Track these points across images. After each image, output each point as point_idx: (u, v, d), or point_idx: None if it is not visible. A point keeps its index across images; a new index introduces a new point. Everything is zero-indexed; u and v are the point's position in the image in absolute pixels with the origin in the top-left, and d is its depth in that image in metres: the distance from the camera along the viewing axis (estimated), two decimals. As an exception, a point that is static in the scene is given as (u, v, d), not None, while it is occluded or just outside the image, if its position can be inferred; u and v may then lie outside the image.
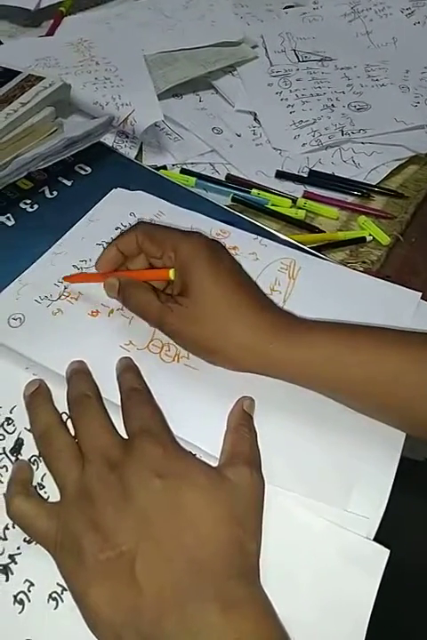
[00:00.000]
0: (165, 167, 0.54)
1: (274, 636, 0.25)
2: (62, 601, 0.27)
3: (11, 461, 0.31)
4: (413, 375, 0.31)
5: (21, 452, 0.31)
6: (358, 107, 0.61)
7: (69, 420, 0.32)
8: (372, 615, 0.28)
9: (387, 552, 0.29)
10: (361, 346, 0.32)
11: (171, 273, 0.35)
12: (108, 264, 0.38)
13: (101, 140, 0.52)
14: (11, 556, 0.28)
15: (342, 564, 0.29)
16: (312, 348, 0.32)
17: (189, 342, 0.35)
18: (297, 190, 0.53)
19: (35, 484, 0.30)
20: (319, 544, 0.29)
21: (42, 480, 0.30)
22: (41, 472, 0.30)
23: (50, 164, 0.47)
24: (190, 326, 0.33)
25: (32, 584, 0.27)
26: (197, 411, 0.34)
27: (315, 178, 0.54)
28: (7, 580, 0.28)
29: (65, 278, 0.40)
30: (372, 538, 0.30)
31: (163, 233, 0.36)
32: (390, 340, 0.32)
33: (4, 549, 0.28)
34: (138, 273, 0.37)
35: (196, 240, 0.35)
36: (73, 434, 0.31)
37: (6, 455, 0.31)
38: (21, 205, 0.47)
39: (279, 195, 0.52)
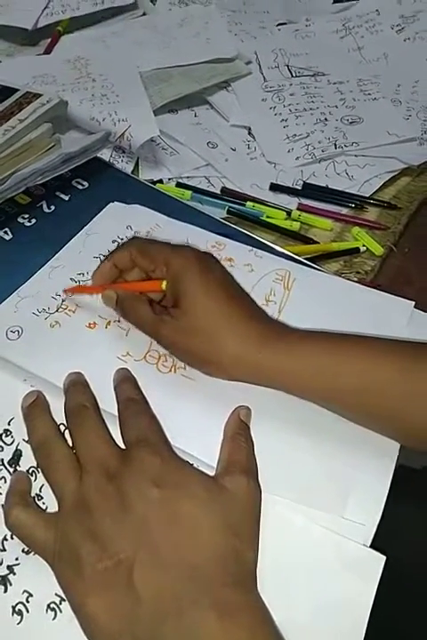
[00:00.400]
0: (161, 181, 0.55)
1: (271, 641, 0.25)
2: (61, 611, 0.27)
3: (9, 473, 0.31)
4: (404, 385, 0.32)
5: (20, 463, 0.31)
6: (350, 120, 0.62)
7: (67, 432, 0.32)
8: (369, 622, 0.28)
9: (383, 558, 0.29)
10: (352, 355, 0.33)
11: (163, 284, 0.35)
12: (104, 278, 0.38)
13: (98, 155, 0.53)
14: (9, 567, 0.28)
15: (339, 570, 0.29)
16: (302, 357, 0.32)
17: (182, 353, 0.35)
18: (291, 202, 0.54)
19: (33, 495, 0.30)
20: (316, 551, 0.29)
21: (40, 491, 0.30)
22: (39, 483, 0.31)
23: (48, 179, 0.48)
24: (183, 338, 0.34)
25: (30, 595, 0.28)
26: (193, 421, 0.34)
27: (309, 190, 0.55)
28: (5, 591, 0.28)
29: (65, 290, 0.41)
30: (368, 545, 0.30)
31: (155, 248, 0.37)
32: (382, 350, 0.33)
33: (2, 560, 0.28)
34: (132, 284, 0.38)
35: (186, 253, 0.36)
36: (71, 445, 0.31)
37: (4, 466, 0.31)
38: (19, 220, 0.47)
39: (274, 207, 0.53)
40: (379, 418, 0.32)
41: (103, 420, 0.32)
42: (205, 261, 0.36)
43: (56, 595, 0.27)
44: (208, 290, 0.34)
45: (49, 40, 0.70)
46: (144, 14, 0.77)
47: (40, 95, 0.54)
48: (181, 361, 0.36)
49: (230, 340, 0.33)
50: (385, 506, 0.31)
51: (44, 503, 0.30)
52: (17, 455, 0.32)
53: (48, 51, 0.69)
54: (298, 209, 0.53)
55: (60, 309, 0.40)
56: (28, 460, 0.31)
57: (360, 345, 0.33)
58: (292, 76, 0.68)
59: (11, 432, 0.32)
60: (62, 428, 0.32)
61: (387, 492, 0.32)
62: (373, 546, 0.30)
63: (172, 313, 0.35)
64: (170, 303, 0.36)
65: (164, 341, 0.36)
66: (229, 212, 0.52)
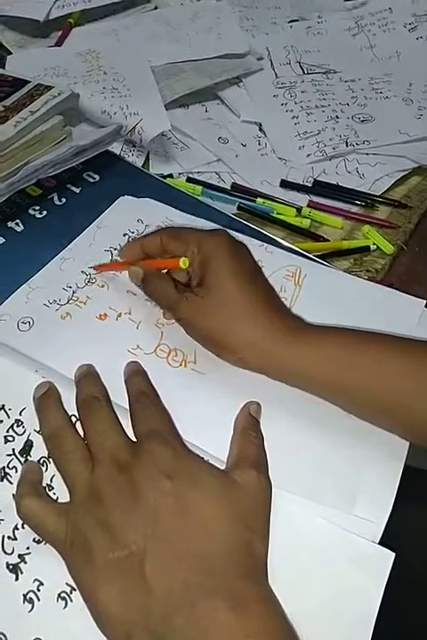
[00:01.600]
0: (171, 176, 0.55)
1: (283, 634, 0.25)
2: (71, 600, 0.27)
3: (20, 462, 0.31)
4: (414, 383, 0.32)
5: (31, 453, 0.31)
6: (362, 118, 0.61)
7: (78, 423, 0.32)
8: (377, 620, 0.28)
9: (392, 555, 0.29)
10: (364, 350, 0.33)
11: (181, 262, 0.36)
12: (131, 256, 0.39)
13: (109, 148, 0.53)
14: (20, 556, 0.28)
15: (348, 567, 0.29)
16: (315, 350, 0.33)
17: (198, 333, 0.35)
18: (302, 199, 0.54)
19: (44, 485, 0.30)
20: (325, 547, 0.29)
21: (51, 481, 0.31)
22: (50, 473, 0.31)
23: (59, 171, 0.48)
24: (202, 317, 0.34)
25: (41, 583, 0.28)
26: (203, 415, 0.34)
27: (319, 188, 0.55)
28: (17, 579, 0.28)
29: (93, 267, 0.42)
30: (377, 541, 0.30)
31: (187, 231, 0.38)
32: (393, 347, 0.33)
33: (13, 549, 0.29)
34: (154, 262, 0.39)
35: (220, 236, 0.36)
36: (82, 436, 0.31)
37: (16, 456, 0.31)
38: (30, 211, 0.48)
39: (284, 204, 0.53)
40: (388, 414, 0.32)
41: (114, 412, 0.32)
42: (237, 247, 0.36)
43: (67, 584, 0.28)
44: (235, 273, 0.34)
45: (60, 32, 0.70)
46: (156, 8, 0.76)
47: (51, 87, 0.54)
48: (197, 341, 0.36)
49: (249, 327, 0.33)
50: (393, 506, 0.31)
51: (54, 493, 0.30)
52: (28, 445, 0.32)
53: (59, 43, 0.69)
54: (308, 206, 0.53)
55: (71, 301, 0.40)
56: (39, 451, 0.31)
57: (372, 341, 0.33)
58: (303, 72, 0.68)
59: (22, 422, 0.32)
60: (73, 419, 0.32)
61: (396, 489, 0.32)
62: (381, 543, 0.30)
63: (195, 291, 0.35)
64: (195, 283, 0.36)
65: (183, 319, 0.36)
66: (239, 208, 0.52)
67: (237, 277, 0.34)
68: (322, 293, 0.42)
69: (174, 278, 0.38)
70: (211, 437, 0.32)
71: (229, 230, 0.38)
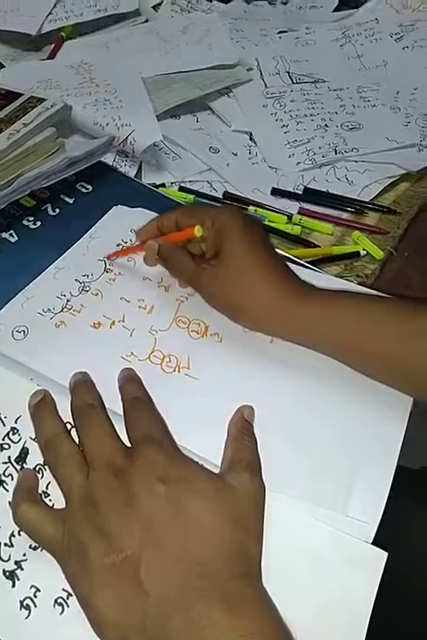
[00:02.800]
0: (163, 185, 0.56)
1: (277, 634, 0.25)
2: (68, 606, 0.28)
3: (16, 470, 0.31)
4: (412, 344, 0.34)
5: (26, 460, 0.32)
6: (350, 126, 0.62)
7: (73, 430, 0.32)
8: (371, 619, 0.28)
9: (385, 555, 0.29)
10: (366, 314, 0.36)
11: (196, 229, 0.38)
12: (147, 236, 0.41)
13: (102, 159, 0.54)
14: (17, 563, 0.29)
15: (341, 566, 0.29)
16: (322, 311, 0.36)
17: (217, 300, 0.38)
18: (292, 207, 0.55)
19: (40, 492, 0.31)
20: (318, 548, 0.30)
21: (47, 488, 0.31)
22: (46, 480, 0.31)
23: (52, 182, 0.48)
24: (221, 285, 0.37)
25: (38, 590, 0.28)
26: (197, 419, 0.35)
27: (310, 195, 0.56)
28: (13, 585, 0.28)
29: (107, 256, 0.44)
30: (370, 542, 0.30)
31: (202, 208, 0.41)
32: (394, 309, 0.36)
33: (10, 556, 0.29)
34: (171, 235, 0.40)
35: (232, 211, 0.40)
36: (77, 443, 0.31)
37: (12, 464, 0.32)
38: (24, 222, 0.48)
39: (275, 211, 0.53)
40: (389, 372, 0.35)
41: (109, 419, 0.32)
42: (249, 220, 0.39)
43: (63, 590, 0.28)
44: (249, 244, 0.37)
45: (52, 46, 0.71)
46: (147, 21, 0.77)
47: (44, 99, 0.54)
48: (216, 308, 0.39)
49: (264, 290, 0.36)
50: (386, 507, 0.32)
51: (50, 500, 0.30)
52: (24, 453, 0.32)
53: (52, 56, 0.70)
54: (299, 213, 0.54)
55: (65, 309, 0.41)
56: (34, 458, 0.32)
57: (374, 303, 0.37)
58: (292, 82, 0.69)
59: (18, 430, 0.33)
60: (68, 426, 0.33)
61: (389, 490, 0.32)
62: (374, 543, 0.30)
63: (212, 263, 0.38)
64: (210, 255, 0.39)
65: (203, 288, 0.39)
66: (231, 215, 0.52)
67: (251, 247, 0.37)
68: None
69: (190, 252, 0.40)
70: (205, 441, 0.33)
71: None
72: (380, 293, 0.40)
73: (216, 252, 0.38)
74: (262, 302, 0.36)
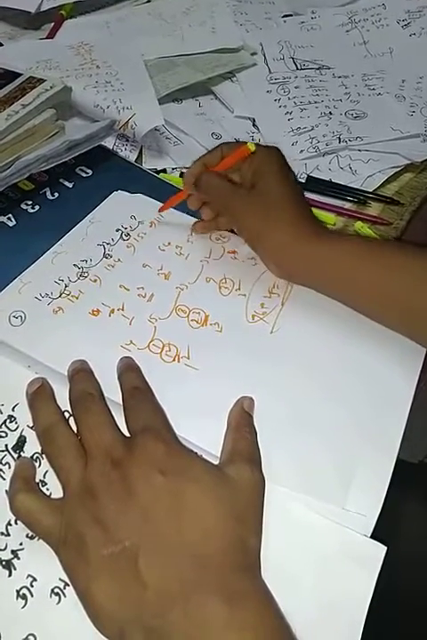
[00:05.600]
0: (164, 170, 0.55)
1: (276, 626, 0.25)
2: (65, 596, 0.27)
3: (13, 458, 0.31)
4: (417, 285, 0.35)
5: (24, 449, 0.31)
6: (355, 115, 0.61)
7: (71, 419, 0.32)
8: (369, 611, 0.28)
9: (384, 548, 0.29)
10: (373, 256, 0.37)
11: (249, 145, 0.40)
12: (193, 177, 0.43)
13: (102, 142, 0.53)
14: (13, 552, 0.28)
15: (340, 560, 0.29)
16: (332, 250, 0.38)
17: (244, 228, 0.42)
18: (295, 195, 0.54)
19: (37, 480, 0.30)
20: (317, 541, 0.30)
21: (44, 477, 0.31)
22: (43, 469, 0.31)
23: (51, 165, 0.47)
24: (249, 209, 0.40)
25: (35, 579, 0.28)
26: (197, 410, 0.34)
27: (313, 184, 0.55)
28: (10, 575, 0.28)
29: (160, 209, 0.46)
30: (369, 535, 0.30)
31: (243, 143, 0.42)
32: (401, 253, 0.37)
33: (6, 545, 0.29)
34: (223, 162, 0.42)
35: (274, 149, 0.42)
36: (75, 432, 0.31)
37: (9, 452, 0.31)
38: (22, 206, 0.47)
39: (278, 200, 0.53)
40: (395, 314, 0.37)
41: (108, 408, 0.32)
42: (286, 164, 0.42)
43: (60, 579, 0.28)
44: (283, 182, 0.40)
45: (52, 24, 0.69)
46: (149, 1, 0.76)
47: (44, 80, 0.53)
48: (239, 233, 0.43)
49: (285, 224, 0.38)
50: (385, 500, 0.32)
51: (48, 489, 0.30)
52: (21, 441, 0.32)
53: (51, 35, 0.68)
54: (301, 202, 0.53)
55: (63, 295, 0.40)
56: (32, 446, 0.31)
57: (384, 246, 0.39)
58: (297, 68, 0.68)
59: (15, 418, 0.32)
60: (66, 414, 0.32)
61: (388, 483, 0.32)
62: (373, 537, 0.30)
63: (246, 190, 0.40)
64: (247, 185, 0.41)
65: (231, 210, 0.42)
66: (232, 203, 0.52)
67: (283, 185, 0.39)
68: (313, 290, 0.42)
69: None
70: (204, 433, 0.33)
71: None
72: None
73: (253, 183, 0.40)
74: (281, 235, 0.38)
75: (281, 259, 0.39)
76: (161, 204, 0.47)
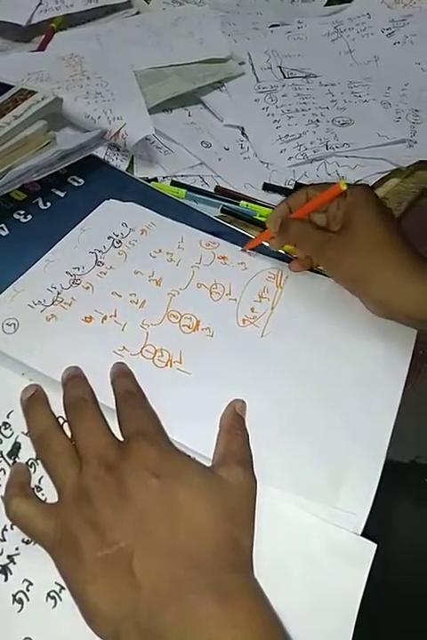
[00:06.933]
0: (155, 179, 0.56)
1: (269, 624, 0.25)
2: (61, 599, 0.28)
3: (8, 464, 0.31)
4: None
5: (19, 455, 0.32)
6: (341, 122, 0.63)
7: (66, 425, 0.32)
8: (360, 609, 0.29)
9: (374, 546, 0.30)
10: None
11: (342, 184, 0.38)
12: (279, 220, 0.42)
13: (93, 152, 0.53)
14: (9, 557, 0.29)
15: (331, 558, 0.30)
16: None
17: (343, 272, 0.39)
18: (284, 202, 0.55)
19: (32, 486, 0.31)
20: (308, 539, 0.30)
21: (39, 482, 0.31)
22: (38, 475, 0.31)
23: (43, 175, 0.48)
24: (346, 256, 0.38)
25: (31, 583, 0.28)
26: (189, 413, 0.35)
27: (301, 190, 0.56)
28: (6, 579, 0.28)
29: (246, 246, 0.45)
30: (359, 533, 0.31)
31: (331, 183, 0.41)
32: None
33: (2, 550, 0.29)
34: (309, 203, 0.41)
35: (366, 187, 0.40)
36: (70, 437, 0.32)
37: (4, 458, 0.32)
38: (15, 216, 0.48)
39: (267, 206, 0.54)
40: None
41: (102, 413, 0.32)
42: (381, 200, 0.40)
43: (56, 583, 0.28)
44: (383, 220, 0.38)
45: (43, 37, 0.70)
46: (138, 13, 0.77)
47: (35, 92, 0.54)
48: (339, 281, 0.40)
49: (392, 264, 0.37)
50: (376, 500, 0.32)
51: (43, 494, 0.31)
52: (16, 447, 0.32)
53: (42, 47, 0.69)
54: (290, 208, 0.54)
55: (56, 302, 0.40)
56: (26, 452, 0.32)
57: None
58: (284, 77, 0.69)
59: (10, 425, 0.33)
60: (61, 420, 0.33)
61: (378, 482, 0.33)
62: (364, 535, 0.31)
63: (338, 233, 0.39)
64: (337, 227, 0.39)
65: (327, 257, 0.39)
66: (223, 210, 0.52)
67: (385, 224, 0.38)
68: (303, 295, 0.43)
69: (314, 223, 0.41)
70: (197, 435, 0.33)
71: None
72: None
73: (345, 224, 0.38)
74: (389, 275, 0.36)
75: (390, 299, 0.37)
76: (152, 213, 0.48)
